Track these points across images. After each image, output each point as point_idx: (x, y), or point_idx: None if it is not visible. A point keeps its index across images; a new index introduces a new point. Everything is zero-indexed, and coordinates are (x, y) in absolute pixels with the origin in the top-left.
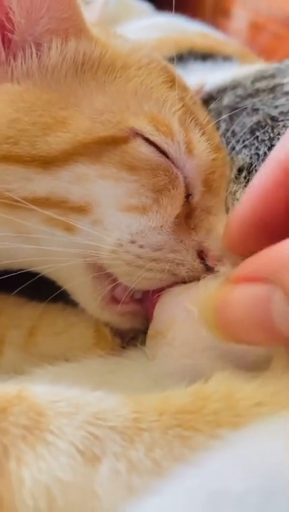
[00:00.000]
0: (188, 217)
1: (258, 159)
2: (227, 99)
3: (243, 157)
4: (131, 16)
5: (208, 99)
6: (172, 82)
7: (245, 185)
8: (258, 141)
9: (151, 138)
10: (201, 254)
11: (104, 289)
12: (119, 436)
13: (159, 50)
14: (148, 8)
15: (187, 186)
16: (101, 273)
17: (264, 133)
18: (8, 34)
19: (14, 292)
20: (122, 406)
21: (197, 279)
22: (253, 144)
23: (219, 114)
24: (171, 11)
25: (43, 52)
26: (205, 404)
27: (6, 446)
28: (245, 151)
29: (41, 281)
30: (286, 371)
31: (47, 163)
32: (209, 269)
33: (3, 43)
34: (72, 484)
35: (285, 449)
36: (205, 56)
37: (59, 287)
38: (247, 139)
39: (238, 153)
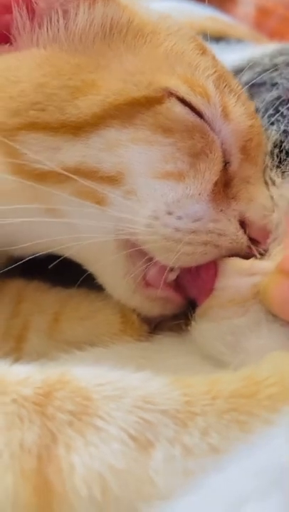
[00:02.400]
0: (226, 187)
1: (286, 136)
2: (246, 77)
3: (273, 133)
4: (140, 0)
5: None
6: (203, 49)
7: (278, 165)
8: (282, 117)
9: (187, 97)
10: (243, 226)
11: (137, 270)
12: (172, 420)
13: None
14: None
15: (224, 153)
16: (134, 250)
17: (288, 109)
18: (34, 2)
19: (42, 275)
20: (170, 389)
21: (241, 251)
22: (279, 121)
23: None
24: None
25: (70, 17)
26: (259, 389)
27: (53, 432)
28: (273, 127)
29: (64, 265)
30: None
31: (77, 128)
32: (253, 241)
33: (28, 12)
34: (126, 471)
35: None
36: (218, 39)
37: (82, 272)
38: (272, 115)
39: (266, 129)
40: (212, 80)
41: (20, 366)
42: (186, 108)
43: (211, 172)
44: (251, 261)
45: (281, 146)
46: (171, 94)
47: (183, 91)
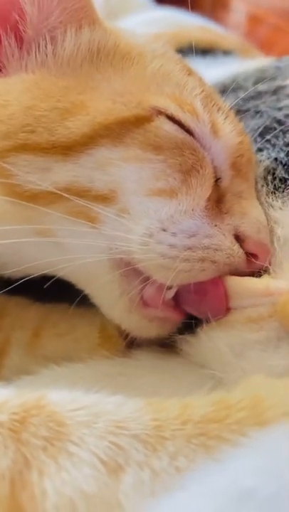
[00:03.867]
0: (219, 202)
1: (277, 165)
2: (229, 101)
3: (263, 158)
4: (130, 10)
5: None
6: (189, 70)
7: (273, 191)
8: (270, 145)
9: (176, 115)
10: (239, 240)
11: (134, 289)
12: (142, 445)
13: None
14: (147, 1)
15: (215, 169)
16: (129, 268)
17: (276, 137)
18: (22, 31)
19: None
20: (142, 413)
21: (240, 265)
22: (267, 148)
23: None
24: (171, 4)
25: (58, 43)
26: (229, 413)
27: (27, 457)
28: (262, 153)
29: (45, 282)
30: None
31: (67, 149)
32: (250, 255)
33: (16, 40)
34: (96, 496)
35: None
36: (205, 51)
37: (63, 288)
38: (259, 142)
39: (255, 153)
40: (200, 99)
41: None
42: (175, 126)
43: (202, 188)
44: (266, 280)
45: (274, 173)
46: (160, 112)
47: (172, 109)
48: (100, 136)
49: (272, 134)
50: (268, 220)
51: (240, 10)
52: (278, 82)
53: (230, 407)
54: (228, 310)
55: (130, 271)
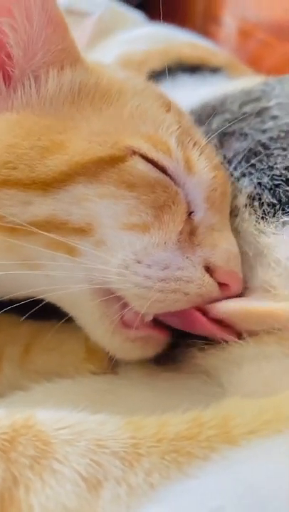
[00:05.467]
0: (192, 235)
1: (262, 190)
2: (216, 124)
3: (245, 185)
4: (124, 27)
5: (196, 121)
6: (168, 106)
7: (263, 217)
8: (255, 170)
9: (149, 154)
10: (209, 271)
11: (114, 313)
12: (120, 461)
13: (145, 63)
14: (140, 17)
15: (189, 204)
16: (109, 297)
17: (260, 162)
18: (9, 70)
19: (23, 318)
20: (121, 432)
21: (212, 295)
22: (251, 173)
23: (208, 138)
24: (163, 20)
25: (41, 83)
26: (200, 430)
27: (15, 475)
28: (245, 179)
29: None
30: None
31: (46, 185)
32: (222, 286)
33: (4, 79)
34: (76, 510)
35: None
36: (193, 68)
37: (52, 306)
38: (242, 166)
39: (237, 179)
40: (175, 136)
41: None
42: (149, 165)
43: (175, 223)
44: (285, 304)
45: (260, 199)
46: (134, 152)
47: (145, 149)
48: (77, 174)
49: (256, 159)
50: (259, 248)
51: (230, 25)
52: (263, 104)
53: (202, 424)
54: (238, 334)
55: (110, 297)
